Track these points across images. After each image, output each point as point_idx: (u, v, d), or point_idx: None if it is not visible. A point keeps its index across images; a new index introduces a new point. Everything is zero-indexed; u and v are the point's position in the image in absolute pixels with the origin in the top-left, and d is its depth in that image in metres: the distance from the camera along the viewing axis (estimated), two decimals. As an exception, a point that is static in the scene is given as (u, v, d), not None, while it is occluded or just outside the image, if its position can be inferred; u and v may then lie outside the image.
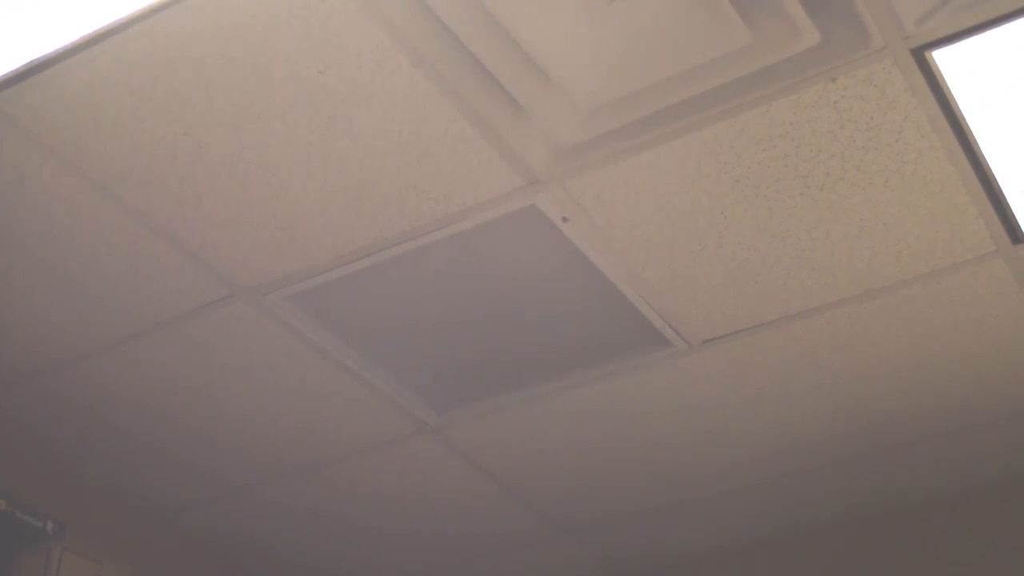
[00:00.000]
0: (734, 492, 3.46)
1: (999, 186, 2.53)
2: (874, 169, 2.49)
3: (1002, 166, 2.49)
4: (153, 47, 2.23)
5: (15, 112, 2.35)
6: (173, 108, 2.34)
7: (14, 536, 2.86)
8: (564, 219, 2.60)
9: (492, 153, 2.44)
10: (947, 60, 2.27)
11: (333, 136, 2.41)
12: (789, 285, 2.77)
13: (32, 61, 2.25)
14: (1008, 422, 3.18)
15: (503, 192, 2.54)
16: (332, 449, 3.29)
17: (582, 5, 2.17)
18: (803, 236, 2.64)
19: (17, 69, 2.27)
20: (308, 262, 2.70)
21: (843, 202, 2.56)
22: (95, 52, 2.24)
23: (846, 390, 3.07)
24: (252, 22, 2.19)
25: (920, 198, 2.55)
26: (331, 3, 2.16)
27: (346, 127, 2.39)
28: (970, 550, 3.36)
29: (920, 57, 2.26)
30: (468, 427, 3.22)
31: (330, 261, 2.70)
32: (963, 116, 2.38)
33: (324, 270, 2.72)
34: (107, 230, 2.61)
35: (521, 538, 3.68)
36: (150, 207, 2.56)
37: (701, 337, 2.91)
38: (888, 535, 3.49)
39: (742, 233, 2.63)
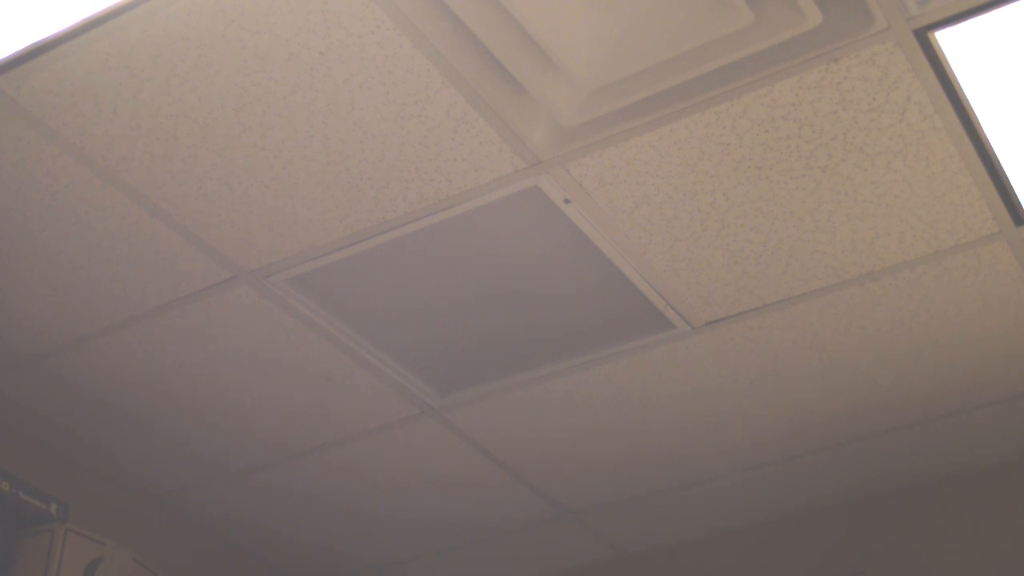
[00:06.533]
0: (736, 474, 3.47)
1: (1002, 167, 2.52)
2: (876, 150, 2.48)
3: (1005, 147, 2.48)
4: (154, 28, 2.23)
5: (16, 94, 2.35)
6: (174, 90, 2.34)
7: (18, 518, 2.87)
8: (566, 201, 2.60)
9: (494, 135, 2.44)
10: (950, 41, 2.27)
11: (334, 118, 2.41)
12: (791, 267, 2.77)
13: (33, 43, 2.25)
14: (1010, 404, 3.18)
15: (505, 174, 2.53)
16: (334, 431, 3.30)
17: (584, -14, 2.16)
18: (805, 217, 2.64)
19: (18, 52, 2.27)
20: (310, 244, 2.70)
21: (845, 183, 2.56)
22: (96, 34, 2.24)
23: (848, 371, 3.07)
24: (253, 3, 2.19)
25: (923, 179, 2.55)
26: (332, -16, 2.16)
27: (347, 109, 2.39)
28: (973, 532, 3.36)
29: (923, 38, 2.26)
30: (470, 409, 3.22)
31: (332, 243, 2.70)
32: (966, 97, 2.38)
33: (326, 252, 2.72)
34: (108, 213, 2.61)
35: (523, 521, 3.69)
36: (152, 190, 2.56)
37: (703, 319, 2.92)
38: (890, 516, 3.49)
39: (744, 214, 2.63)
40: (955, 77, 2.33)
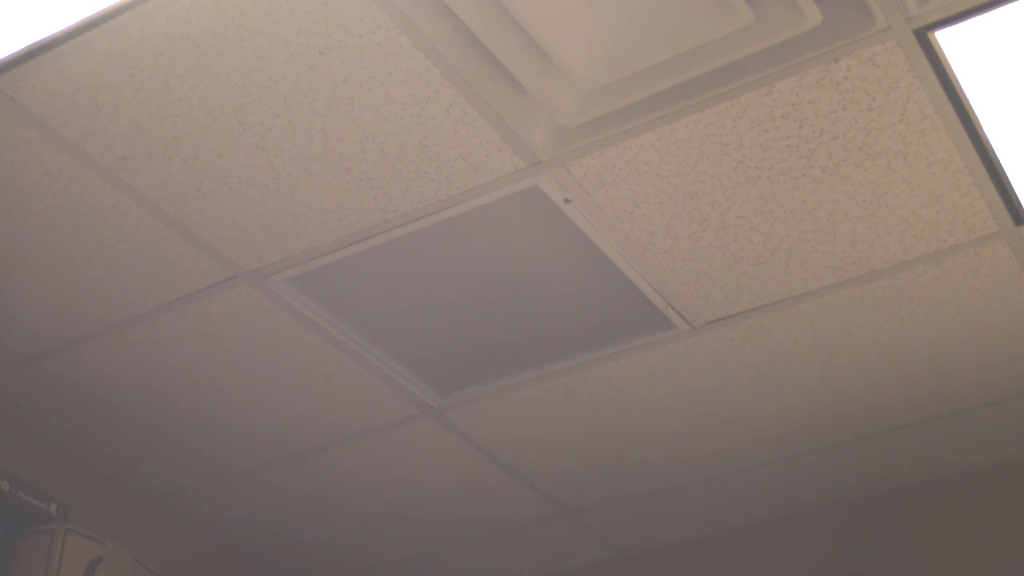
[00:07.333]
0: (736, 474, 3.47)
1: (1002, 167, 2.52)
2: (876, 150, 2.48)
3: (1005, 147, 2.48)
4: (154, 29, 2.23)
5: (16, 94, 2.35)
6: (174, 90, 2.34)
7: (18, 518, 2.87)
8: (566, 200, 2.60)
9: (494, 135, 2.44)
10: (950, 40, 2.27)
11: (335, 118, 2.41)
12: (791, 267, 2.77)
13: (33, 43, 2.25)
14: (1010, 403, 3.18)
15: (505, 174, 2.53)
16: (334, 431, 3.30)
17: (584, -14, 2.16)
18: (805, 217, 2.64)
19: (18, 51, 2.27)
20: (310, 244, 2.70)
21: (845, 183, 2.56)
22: (96, 34, 2.23)
23: (848, 371, 3.07)
24: (253, 3, 2.19)
25: (923, 179, 2.55)
26: (332, -16, 2.16)
27: (347, 109, 2.39)
28: (973, 532, 3.36)
29: (923, 37, 2.26)
30: (471, 409, 3.22)
31: (332, 243, 2.70)
32: (966, 97, 2.38)
33: (326, 252, 2.72)
34: (108, 213, 2.61)
35: (523, 520, 3.69)
36: (152, 190, 2.56)
37: (703, 319, 2.92)
38: (890, 516, 3.49)
39: (744, 214, 2.63)
40: (955, 77, 2.33)
